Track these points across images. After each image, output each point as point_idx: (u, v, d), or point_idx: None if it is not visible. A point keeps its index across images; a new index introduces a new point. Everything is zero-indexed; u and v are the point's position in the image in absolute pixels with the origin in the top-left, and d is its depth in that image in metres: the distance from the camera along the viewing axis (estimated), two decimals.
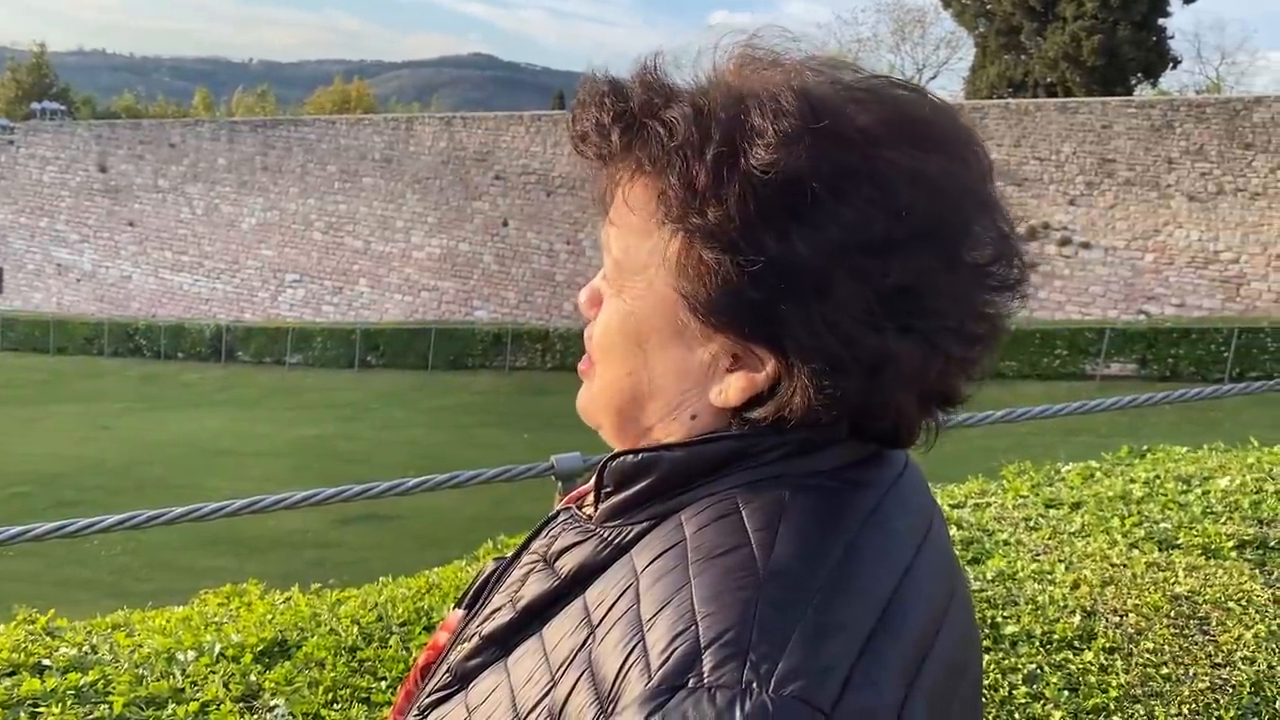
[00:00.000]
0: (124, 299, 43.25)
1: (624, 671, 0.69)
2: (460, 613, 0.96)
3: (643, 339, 0.83)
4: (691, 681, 0.65)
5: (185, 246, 42.11)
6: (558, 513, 0.92)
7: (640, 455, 0.82)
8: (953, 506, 3.79)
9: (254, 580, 3.30)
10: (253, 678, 2.48)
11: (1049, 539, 3.38)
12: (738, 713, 0.64)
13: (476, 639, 0.86)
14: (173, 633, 2.78)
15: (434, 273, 36.52)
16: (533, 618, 0.83)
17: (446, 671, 0.88)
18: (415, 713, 0.90)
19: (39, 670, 2.50)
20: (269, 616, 2.84)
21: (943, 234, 0.76)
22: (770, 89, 0.78)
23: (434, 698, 0.88)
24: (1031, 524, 3.56)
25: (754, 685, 0.65)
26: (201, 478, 17.89)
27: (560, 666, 0.75)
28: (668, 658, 0.67)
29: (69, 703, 2.34)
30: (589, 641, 0.75)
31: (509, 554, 0.96)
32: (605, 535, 0.82)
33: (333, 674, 2.51)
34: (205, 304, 41.16)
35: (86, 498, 16.20)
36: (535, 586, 0.84)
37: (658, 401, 0.84)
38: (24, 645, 2.63)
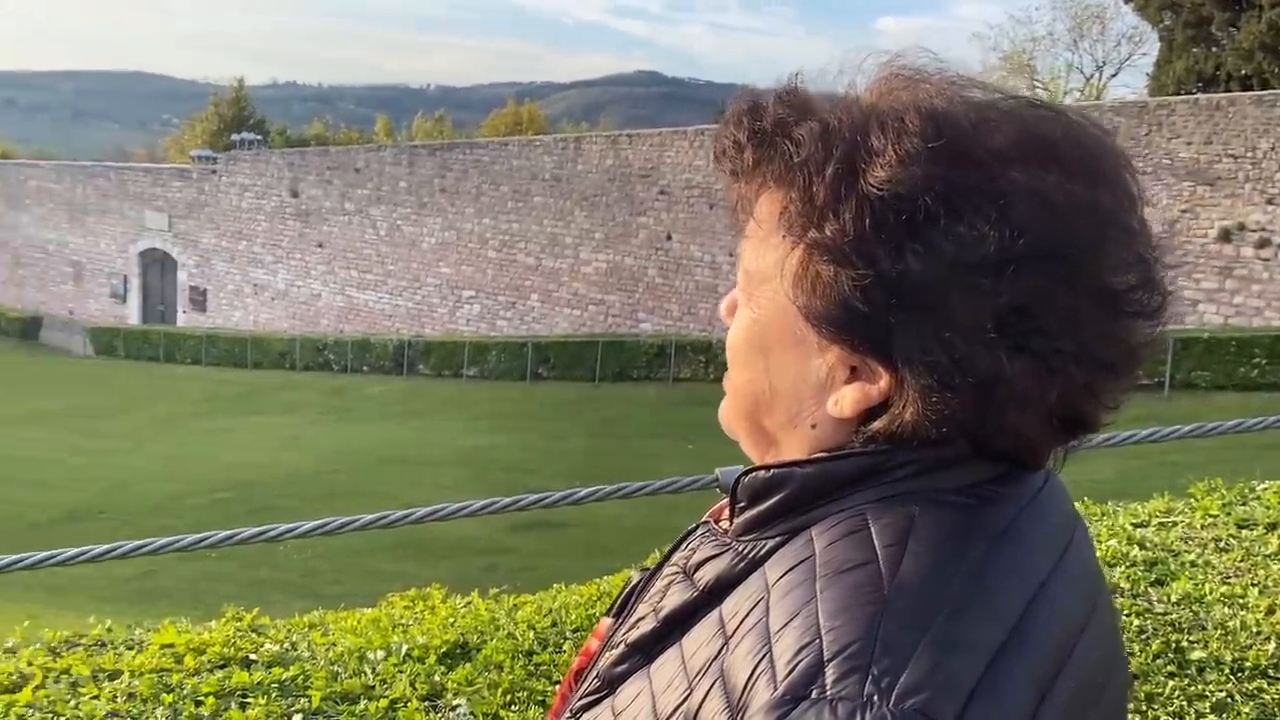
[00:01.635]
0: (314, 316, 45.82)
1: (752, 681, 0.72)
2: (609, 620, 1.00)
3: (766, 347, 0.86)
4: (814, 693, 0.68)
5: (370, 266, 44.29)
6: (697, 525, 0.96)
7: (772, 471, 0.84)
8: (1135, 525, 3.63)
9: (436, 585, 3.48)
10: (436, 678, 2.62)
11: (1241, 561, 3.21)
12: None
13: (622, 646, 0.90)
14: (363, 633, 2.96)
15: (600, 287, 37.19)
16: (673, 627, 0.86)
17: (596, 677, 0.92)
18: (568, 715, 0.94)
19: (246, 664, 2.71)
20: (451, 620, 2.99)
21: (1064, 255, 0.76)
22: (897, 108, 0.80)
23: (584, 701, 0.92)
24: (1222, 545, 3.38)
25: (875, 698, 0.67)
26: (384, 485, 18.74)
27: (697, 674, 0.79)
28: (793, 669, 0.70)
29: (273, 695, 2.53)
30: (723, 651, 0.77)
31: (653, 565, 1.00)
32: (740, 549, 0.85)
33: (511, 676, 2.62)
34: (388, 319, 43.16)
35: (280, 504, 17.21)
36: (675, 597, 0.88)
37: (779, 409, 0.87)
38: (233, 640, 2.87)
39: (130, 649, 2.81)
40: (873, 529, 0.78)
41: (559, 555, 12.20)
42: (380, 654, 2.74)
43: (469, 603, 3.25)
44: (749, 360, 0.88)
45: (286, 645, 2.87)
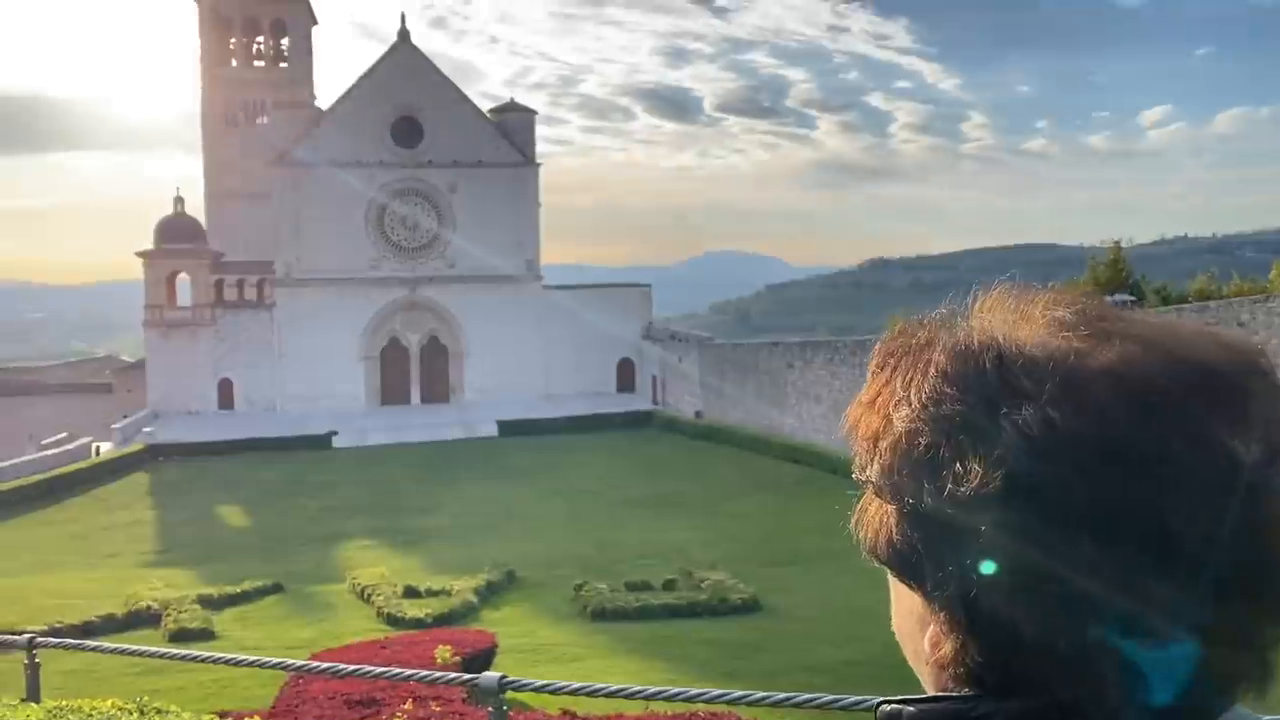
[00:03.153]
0: None
1: None
2: None
3: (892, 583, 0.87)
4: None
5: None
6: None
7: (890, 708, 0.84)
8: None
9: None
10: None
11: None
12: None
13: None
14: None
15: None
16: None
17: None
18: None
19: None
20: None
21: (1047, 494, 0.71)
22: (943, 343, 0.81)
23: None
24: None
25: None
26: None
27: None
28: None
29: None
30: None
31: None
32: None
33: None
34: None
35: None
36: None
37: (907, 645, 0.87)
38: None
39: None
40: None
41: None
42: None
43: None
44: (891, 593, 0.89)
45: None
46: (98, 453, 48.78)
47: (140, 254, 60.56)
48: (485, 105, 66.57)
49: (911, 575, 0.80)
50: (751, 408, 48.51)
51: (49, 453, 47.95)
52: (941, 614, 0.78)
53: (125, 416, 55.55)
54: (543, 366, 62.50)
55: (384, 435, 51.03)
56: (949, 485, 0.75)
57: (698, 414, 52.95)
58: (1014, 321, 0.81)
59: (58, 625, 18.64)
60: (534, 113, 67.25)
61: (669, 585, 22.86)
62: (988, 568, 0.73)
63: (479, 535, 29.49)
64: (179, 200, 62.94)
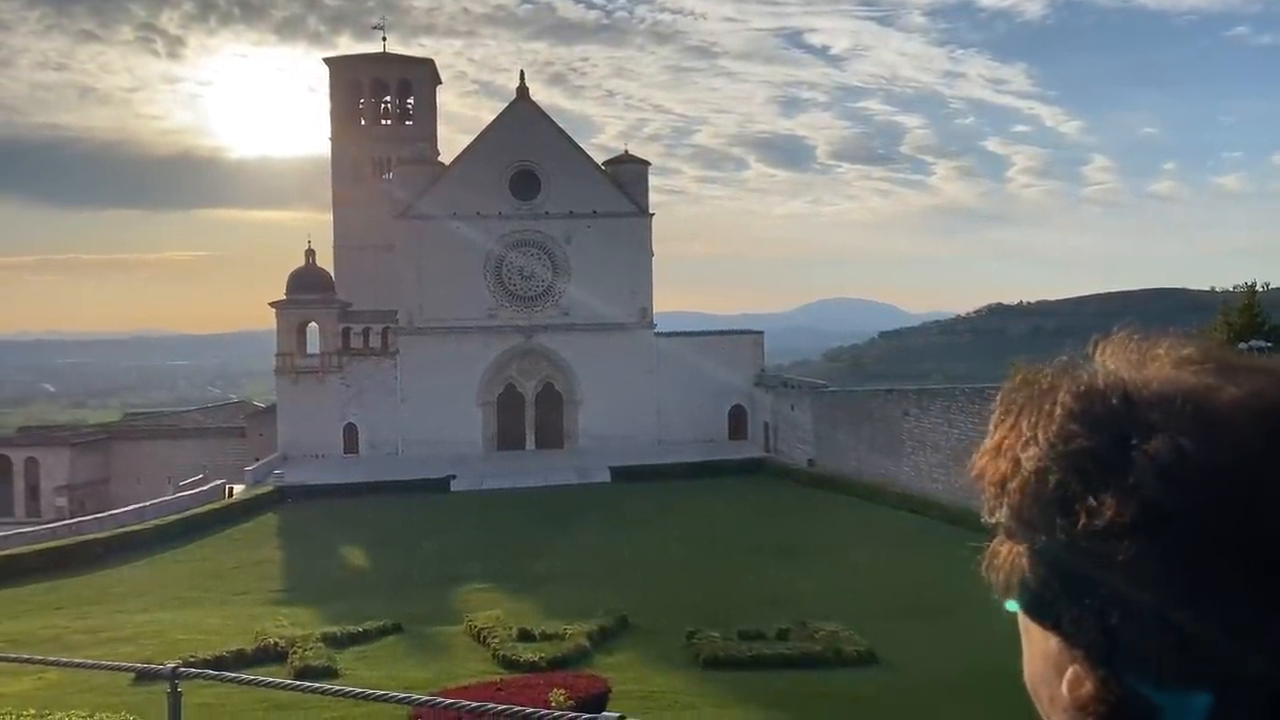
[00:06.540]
0: None
1: None
2: None
3: (1025, 629, 0.86)
4: None
5: None
6: None
7: None
8: None
9: None
10: None
11: None
12: None
13: None
14: None
15: None
16: None
17: None
18: None
19: None
20: None
21: (1198, 525, 0.73)
22: (1066, 387, 0.83)
23: None
24: None
25: None
26: None
27: None
28: None
29: None
30: None
31: None
32: None
33: None
34: None
35: None
36: None
37: (1040, 691, 0.85)
38: None
39: None
40: None
41: None
42: None
43: None
44: (1023, 645, 0.88)
45: None
46: (230, 494, 50.75)
47: (273, 304, 63.18)
48: (601, 158, 67.79)
49: (1047, 614, 0.80)
50: (866, 456, 47.72)
51: (186, 494, 50.12)
52: (1081, 651, 0.78)
53: (257, 459, 57.77)
54: (655, 413, 62.76)
55: (500, 480, 51.82)
56: (1082, 519, 0.76)
57: (810, 462, 52.33)
58: (1138, 362, 0.84)
59: (191, 659, 19.44)
60: (647, 164, 68.19)
61: (782, 635, 22.54)
62: (1125, 597, 0.74)
63: (592, 580, 29.67)
64: (310, 253, 65.58)
